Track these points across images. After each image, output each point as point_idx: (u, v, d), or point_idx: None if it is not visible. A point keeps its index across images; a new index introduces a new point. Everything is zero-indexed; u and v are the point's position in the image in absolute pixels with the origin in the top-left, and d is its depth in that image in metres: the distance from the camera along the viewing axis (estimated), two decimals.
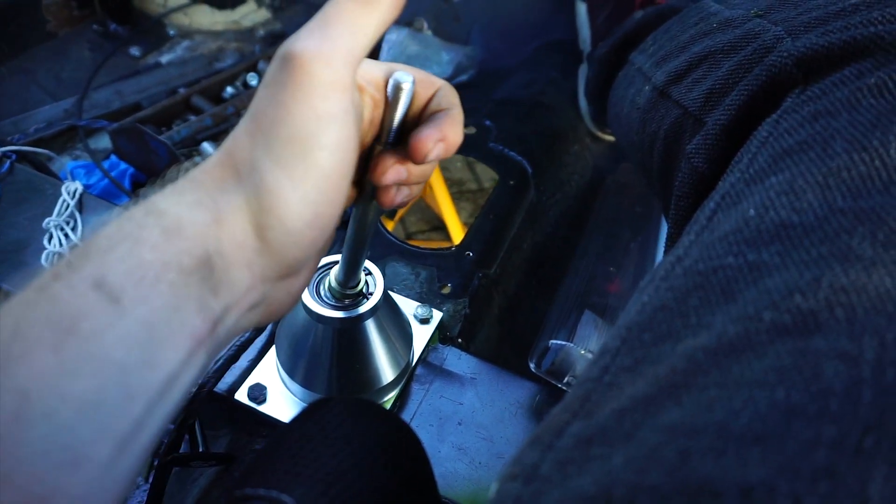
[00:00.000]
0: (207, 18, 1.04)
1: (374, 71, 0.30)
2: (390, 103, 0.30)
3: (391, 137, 0.31)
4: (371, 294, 0.46)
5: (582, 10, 0.88)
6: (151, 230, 0.24)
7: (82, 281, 0.22)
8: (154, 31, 1.03)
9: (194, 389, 0.49)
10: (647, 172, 0.57)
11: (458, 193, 0.98)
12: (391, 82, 0.29)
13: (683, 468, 0.18)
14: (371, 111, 0.30)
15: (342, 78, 0.26)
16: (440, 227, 0.94)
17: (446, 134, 0.29)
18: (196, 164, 0.28)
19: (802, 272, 0.22)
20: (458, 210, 0.89)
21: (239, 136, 0.27)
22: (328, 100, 0.25)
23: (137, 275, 0.23)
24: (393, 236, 0.66)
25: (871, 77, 0.28)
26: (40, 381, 0.20)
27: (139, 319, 0.23)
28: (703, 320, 0.24)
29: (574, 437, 0.23)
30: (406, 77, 0.29)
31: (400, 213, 0.90)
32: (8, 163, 0.69)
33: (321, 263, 0.47)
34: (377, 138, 0.32)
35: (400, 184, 0.31)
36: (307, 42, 0.25)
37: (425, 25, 1.00)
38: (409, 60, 0.91)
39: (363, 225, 0.36)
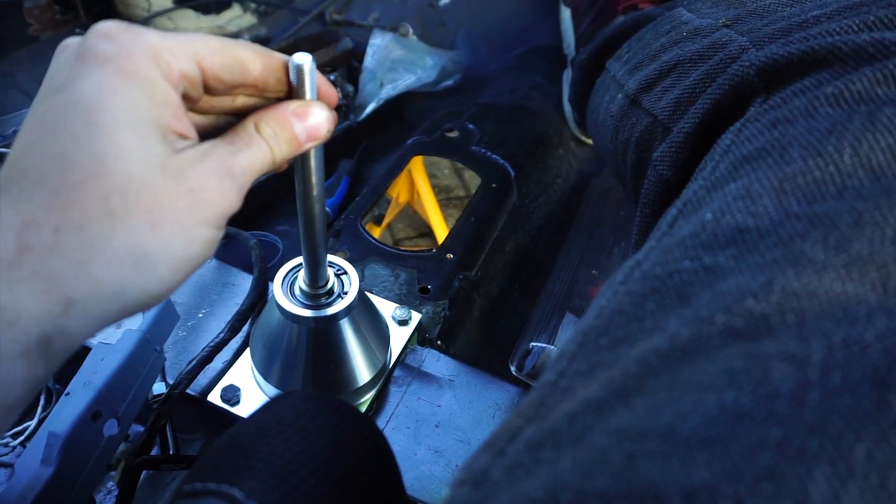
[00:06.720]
0: (192, 23, 1.04)
1: None
2: (296, 88, 0.29)
3: None
4: (346, 293, 0.46)
5: (566, 15, 0.89)
6: None
7: None
8: None
9: (165, 391, 0.48)
10: (622, 179, 0.57)
11: (445, 200, 0.97)
12: (291, 68, 0.29)
13: (629, 472, 0.18)
14: None
15: None
16: (428, 234, 0.94)
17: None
18: None
19: (756, 276, 0.22)
20: (446, 217, 0.88)
21: None
22: None
23: None
24: (373, 238, 0.65)
25: (829, 86, 0.29)
26: None
27: None
28: (659, 324, 0.24)
29: (526, 441, 0.23)
30: (304, 57, 0.28)
31: (387, 219, 0.90)
32: None
33: (293, 264, 0.46)
34: None
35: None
36: None
37: (410, 31, 1.00)
38: (394, 65, 0.91)
39: (308, 211, 0.36)
